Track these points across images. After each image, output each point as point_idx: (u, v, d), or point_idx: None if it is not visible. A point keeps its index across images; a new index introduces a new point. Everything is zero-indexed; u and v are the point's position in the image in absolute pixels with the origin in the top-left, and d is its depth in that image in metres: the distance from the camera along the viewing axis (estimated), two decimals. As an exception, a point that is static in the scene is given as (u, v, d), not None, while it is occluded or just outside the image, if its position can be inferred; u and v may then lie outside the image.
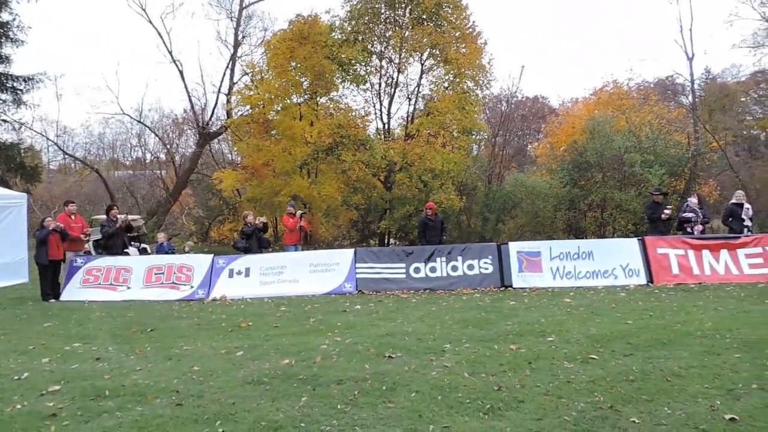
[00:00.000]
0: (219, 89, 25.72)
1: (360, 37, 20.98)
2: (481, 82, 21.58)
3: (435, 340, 5.65)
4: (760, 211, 19.04)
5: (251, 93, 21.30)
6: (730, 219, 10.87)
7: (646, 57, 53.04)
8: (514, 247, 10.18)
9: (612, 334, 5.51)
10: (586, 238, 18.88)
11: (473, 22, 21.56)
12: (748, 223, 10.74)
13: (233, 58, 25.53)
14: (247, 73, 23.98)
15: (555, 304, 7.64)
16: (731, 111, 26.56)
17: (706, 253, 9.71)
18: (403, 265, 10.27)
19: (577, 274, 9.75)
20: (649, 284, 9.40)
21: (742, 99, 28.37)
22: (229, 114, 23.86)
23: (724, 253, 9.69)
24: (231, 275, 10.43)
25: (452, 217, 20.67)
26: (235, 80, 25.25)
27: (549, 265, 9.86)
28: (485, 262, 10.03)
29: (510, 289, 9.61)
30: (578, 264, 9.83)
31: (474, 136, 24.05)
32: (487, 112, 30.17)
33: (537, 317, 6.66)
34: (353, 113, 21.55)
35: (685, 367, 4.32)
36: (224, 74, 25.63)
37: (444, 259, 10.20)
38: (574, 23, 63.75)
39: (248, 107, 21.56)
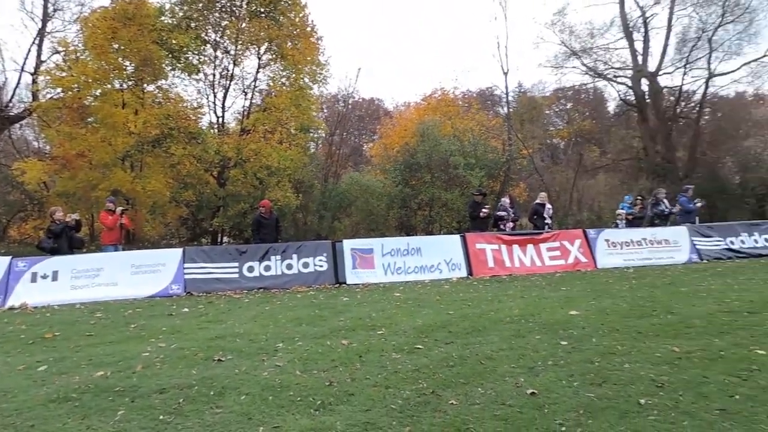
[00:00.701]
0: (23, 67, 22.40)
1: (193, 24, 19.79)
2: (318, 79, 21.70)
3: (267, 339, 5.55)
4: (558, 210, 21.88)
5: (63, 74, 18.88)
6: (535, 217, 12.37)
7: (471, 68, 57.99)
8: (348, 245, 10.44)
9: (436, 325, 5.91)
10: (416, 235, 20.01)
11: (312, 21, 21.64)
12: (548, 221, 12.32)
13: (41, 34, 22.42)
14: (58, 52, 21.21)
15: (386, 299, 7.99)
16: (538, 122, 30.04)
17: (515, 247, 10.90)
18: (236, 264, 9.95)
19: (406, 270, 10.31)
20: (469, 277, 10.29)
21: (547, 112, 32.32)
22: (35, 96, 20.89)
23: (530, 248, 10.98)
24: (34, 279, 9.19)
25: (288, 215, 20.51)
26: (43, 58, 22.18)
27: (381, 261, 10.29)
28: (320, 260, 10.13)
29: (344, 285, 9.83)
30: (408, 260, 10.41)
31: (311, 134, 24.12)
32: (325, 110, 30.48)
33: (368, 312, 6.89)
34: (184, 104, 20.27)
35: (496, 351, 4.77)
36: (29, 50, 22.39)
37: (279, 257, 10.09)
38: (407, 31, 67.16)
39: (59, 90, 19.11)
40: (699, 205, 13.99)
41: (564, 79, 29.24)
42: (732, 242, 12.24)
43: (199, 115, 20.80)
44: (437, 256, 10.55)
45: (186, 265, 9.77)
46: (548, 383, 3.86)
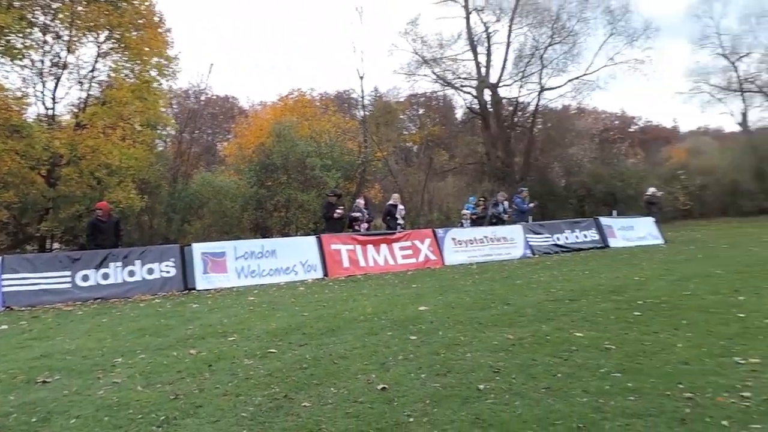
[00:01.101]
0: None
1: (16, 3, 17.43)
2: (166, 72, 20.33)
3: (104, 354, 5.08)
4: (411, 210, 22.88)
5: None
6: (388, 218, 12.83)
7: (328, 71, 58.32)
8: (198, 249, 9.95)
9: (290, 327, 5.85)
10: (272, 236, 19.64)
11: (159, 11, 20.23)
12: (401, 221, 12.84)
13: None
14: None
15: (239, 304, 7.75)
16: (393, 126, 31.15)
17: (370, 247, 11.19)
18: (68, 273, 8.98)
19: (261, 273, 10.09)
20: (325, 277, 10.35)
21: (401, 116, 33.64)
22: None
23: (383, 247, 11.34)
24: None
25: (132, 218, 18.99)
26: None
27: (234, 265, 9.95)
28: (167, 265, 9.53)
29: (194, 291, 9.36)
30: (262, 262, 10.18)
31: (159, 131, 22.56)
32: (175, 107, 28.73)
33: (220, 318, 6.63)
34: (5, 93, 17.76)
35: (350, 349, 4.85)
36: None
37: (119, 264, 9.30)
38: (265, 30, 65.83)
39: None
40: (532, 205, 15.54)
41: (416, 86, 30.80)
42: (558, 238, 13.76)
43: (24, 106, 18.39)
44: (293, 257, 10.45)
45: (5, 277, 8.58)
46: (398, 377, 4.01)
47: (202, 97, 28.32)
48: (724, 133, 42.81)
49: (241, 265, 10.01)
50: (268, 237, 19.39)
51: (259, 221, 21.16)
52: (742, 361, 3.91)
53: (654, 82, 75.38)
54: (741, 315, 5.35)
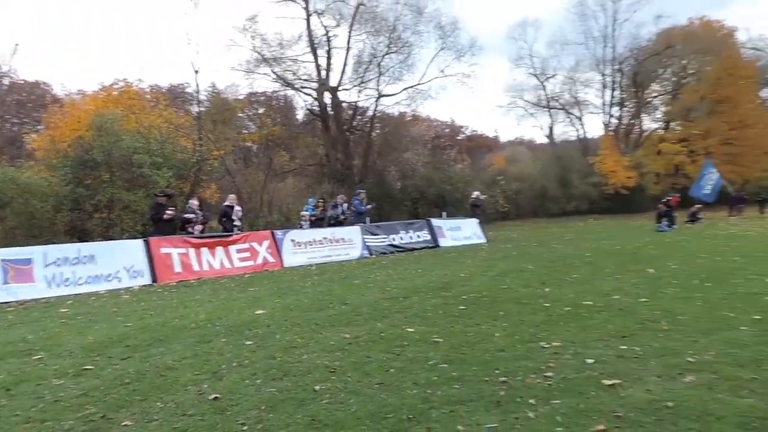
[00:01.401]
0: None
1: None
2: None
3: None
4: (250, 212, 22.25)
5: None
6: (224, 219, 12.33)
7: (160, 62, 54.30)
8: (-3, 255, 8.62)
9: (111, 340, 5.33)
10: (93, 240, 17.73)
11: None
12: (238, 222, 12.43)
13: None
14: None
15: (48, 316, 6.88)
16: (231, 124, 29.98)
17: (204, 250, 10.66)
18: None
19: (77, 281, 9.06)
20: (154, 284, 9.62)
21: (240, 115, 32.54)
22: None
23: (219, 250, 10.88)
24: None
25: None
26: None
27: (43, 273, 8.80)
28: (-46, 276, 8.11)
29: (-10, 305, 8.08)
30: (78, 269, 9.16)
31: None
32: (-32, 91, 24.63)
33: (23, 334, 5.81)
34: None
35: (179, 360, 4.55)
36: None
37: None
38: (86, 13, 59.14)
39: None
40: (369, 207, 16.06)
41: (256, 84, 30.17)
42: (394, 239, 14.41)
43: None
44: (116, 263, 9.54)
45: None
46: (232, 385, 3.86)
47: (5, 81, 24.63)
48: (536, 144, 48.87)
49: (52, 272, 8.87)
50: (87, 241, 17.47)
51: (77, 223, 18.94)
52: (547, 345, 4.44)
53: (479, 95, 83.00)
54: (546, 305, 6.07)
